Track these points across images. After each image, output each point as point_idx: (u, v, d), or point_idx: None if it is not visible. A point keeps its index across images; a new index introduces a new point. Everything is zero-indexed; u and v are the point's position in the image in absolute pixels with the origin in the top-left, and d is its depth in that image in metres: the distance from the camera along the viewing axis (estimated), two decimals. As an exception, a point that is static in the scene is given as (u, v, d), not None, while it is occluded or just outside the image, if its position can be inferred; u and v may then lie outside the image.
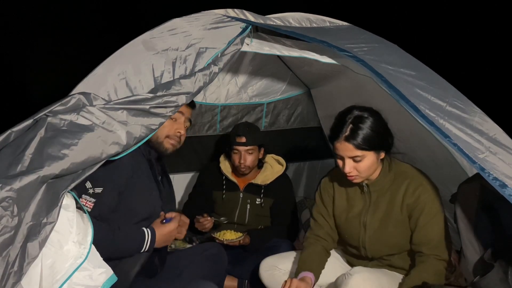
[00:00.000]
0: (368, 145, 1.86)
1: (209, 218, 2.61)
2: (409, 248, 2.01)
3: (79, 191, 1.67)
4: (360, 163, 1.89)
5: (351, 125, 1.86)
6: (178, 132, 1.93)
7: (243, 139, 2.65)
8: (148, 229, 1.81)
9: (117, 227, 1.75)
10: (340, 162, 1.93)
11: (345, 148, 1.87)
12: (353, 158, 1.88)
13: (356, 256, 2.14)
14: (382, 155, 1.95)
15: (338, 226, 2.14)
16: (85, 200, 1.70)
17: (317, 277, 2.05)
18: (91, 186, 1.71)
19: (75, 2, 4.14)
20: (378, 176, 1.99)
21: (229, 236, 2.56)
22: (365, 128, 1.86)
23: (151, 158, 1.92)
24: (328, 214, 2.16)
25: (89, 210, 1.69)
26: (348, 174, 1.92)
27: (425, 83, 1.84)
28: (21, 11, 3.87)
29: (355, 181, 1.96)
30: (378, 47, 2.04)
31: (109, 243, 1.68)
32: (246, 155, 2.68)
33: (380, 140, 1.90)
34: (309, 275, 2.01)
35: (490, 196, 1.73)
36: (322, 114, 3.41)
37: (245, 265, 2.54)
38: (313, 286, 2.01)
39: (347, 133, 1.86)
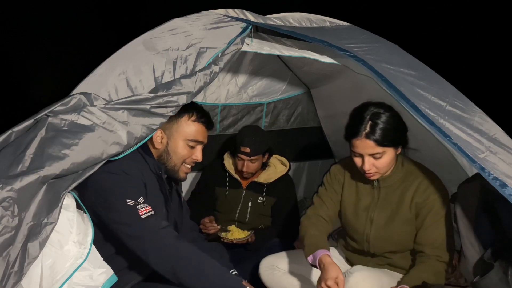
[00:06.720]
0: (388, 141, 1.85)
1: (215, 225, 2.60)
2: (412, 247, 2.01)
3: (133, 210, 1.62)
4: (379, 160, 1.87)
5: (370, 122, 1.84)
6: (196, 159, 1.94)
7: (247, 150, 2.66)
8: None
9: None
10: (358, 160, 1.91)
11: (365, 145, 1.84)
12: (373, 155, 1.86)
13: (357, 251, 2.13)
14: (399, 150, 1.94)
15: (344, 218, 2.12)
16: (143, 208, 1.64)
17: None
18: (134, 201, 1.64)
19: (76, 2, 4.14)
20: (389, 173, 1.98)
21: (238, 235, 2.56)
22: (384, 124, 1.84)
23: (161, 174, 1.86)
24: (337, 199, 2.13)
25: (153, 213, 1.65)
26: (367, 172, 1.89)
27: (425, 83, 1.85)
28: (22, 11, 3.87)
29: (372, 178, 1.94)
30: (378, 47, 2.04)
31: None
32: (250, 164, 2.70)
33: (399, 135, 1.90)
34: (326, 252, 1.93)
35: (490, 196, 1.73)
36: (322, 114, 3.41)
37: (244, 264, 2.54)
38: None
39: (367, 130, 1.83)
